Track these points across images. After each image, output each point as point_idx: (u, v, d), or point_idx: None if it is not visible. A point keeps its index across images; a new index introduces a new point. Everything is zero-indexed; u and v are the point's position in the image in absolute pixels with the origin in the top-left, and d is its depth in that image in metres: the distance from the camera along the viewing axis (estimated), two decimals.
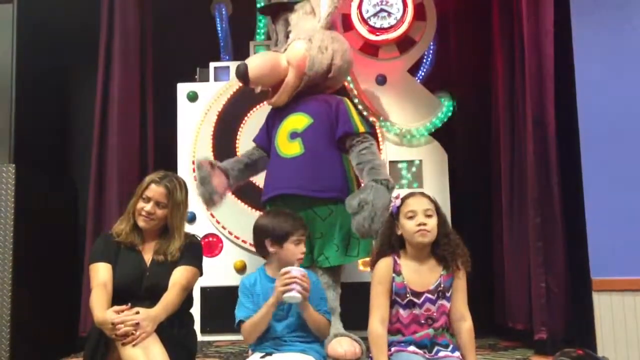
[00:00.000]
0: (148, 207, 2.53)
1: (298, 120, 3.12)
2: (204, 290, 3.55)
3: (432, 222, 2.34)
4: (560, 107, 3.11)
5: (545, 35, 3.13)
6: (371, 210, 2.78)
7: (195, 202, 3.65)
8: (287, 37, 3.34)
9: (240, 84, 3.72)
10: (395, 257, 2.39)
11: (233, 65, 3.85)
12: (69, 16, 3.82)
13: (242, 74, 3.09)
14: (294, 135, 3.09)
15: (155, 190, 2.55)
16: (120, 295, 2.43)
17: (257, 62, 3.14)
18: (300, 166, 3.03)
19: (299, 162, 3.04)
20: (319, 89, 3.21)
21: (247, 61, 3.13)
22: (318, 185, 3.02)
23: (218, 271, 3.60)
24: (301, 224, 2.49)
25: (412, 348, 2.32)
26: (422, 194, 2.45)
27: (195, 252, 2.61)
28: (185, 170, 3.72)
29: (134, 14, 3.75)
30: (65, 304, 3.62)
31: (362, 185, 3.00)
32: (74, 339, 3.47)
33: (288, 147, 3.08)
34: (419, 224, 2.33)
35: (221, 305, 3.47)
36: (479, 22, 3.96)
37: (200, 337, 3.05)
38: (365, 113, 3.68)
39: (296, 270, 2.28)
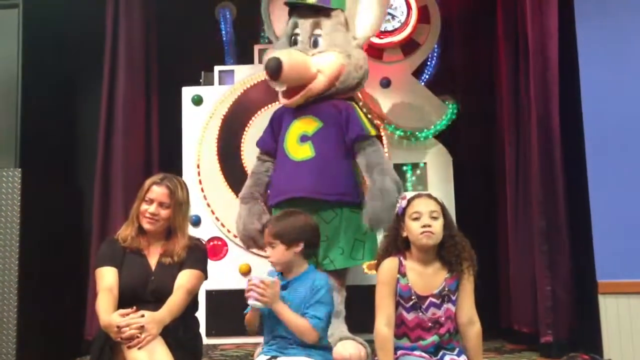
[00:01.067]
0: (152, 208, 2.54)
1: (307, 124, 3.12)
2: (209, 293, 3.55)
3: (438, 224, 2.33)
4: (565, 110, 3.10)
5: (550, 37, 3.13)
6: (388, 201, 2.86)
7: (199, 205, 3.68)
8: (311, 39, 3.23)
9: (244, 88, 3.78)
10: (401, 258, 2.38)
11: (237, 69, 3.87)
12: (74, 20, 3.82)
13: (276, 68, 3.00)
14: (304, 138, 3.09)
15: (157, 191, 2.56)
16: (126, 299, 2.44)
17: (292, 59, 3.06)
18: (312, 169, 3.03)
19: (310, 166, 3.04)
20: (331, 96, 3.20)
21: (278, 56, 3.03)
22: (329, 188, 3.03)
23: (223, 274, 3.60)
24: (270, 227, 2.44)
25: (418, 352, 2.32)
26: (429, 195, 2.43)
27: (199, 255, 2.62)
28: (190, 173, 3.73)
29: (138, 18, 3.76)
30: (71, 308, 3.63)
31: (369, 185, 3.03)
32: (79, 342, 3.48)
33: (298, 150, 3.08)
34: (424, 226, 2.31)
35: (226, 308, 3.48)
36: (483, 25, 3.96)
37: (205, 340, 3.05)
38: (369, 116, 3.68)
39: (255, 278, 2.28)
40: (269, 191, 3.22)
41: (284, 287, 2.39)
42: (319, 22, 3.22)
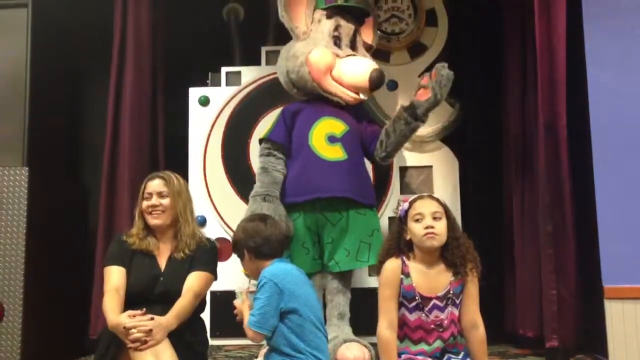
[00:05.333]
0: (152, 201, 2.60)
1: (334, 125, 3.13)
2: (214, 294, 3.54)
3: (441, 225, 2.31)
4: (572, 113, 3.09)
5: (557, 40, 3.12)
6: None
7: (205, 206, 3.68)
8: (351, 45, 3.28)
9: (251, 89, 3.78)
10: (404, 259, 2.37)
11: (244, 70, 3.88)
12: (82, 20, 3.85)
13: (382, 82, 3.14)
14: (332, 139, 3.10)
15: (152, 185, 2.63)
16: (134, 301, 2.45)
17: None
18: (347, 171, 3.07)
19: (344, 167, 3.07)
20: None
21: (379, 68, 3.13)
22: (362, 190, 3.09)
23: (228, 275, 3.59)
24: None
25: (422, 357, 2.31)
26: (431, 196, 2.42)
27: (209, 256, 2.64)
28: (196, 174, 3.73)
29: (146, 18, 3.77)
30: (76, 306, 3.64)
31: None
32: (84, 341, 3.49)
33: (328, 150, 3.08)
34: (427, 227, 2.30)
35: (231, 309, 3.46)
36: (490, 27, 3.95)
37: (209, 341, 3.05)
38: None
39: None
40: (286, 188, 3.13)
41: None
42: (358, 30, 3.32)
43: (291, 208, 3.08)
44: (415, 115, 3.01)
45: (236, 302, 2.41)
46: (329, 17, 3.27)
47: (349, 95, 3.15)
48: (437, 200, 2.38)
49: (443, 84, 2.91)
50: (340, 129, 3.13)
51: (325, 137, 3.10)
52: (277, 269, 2.36)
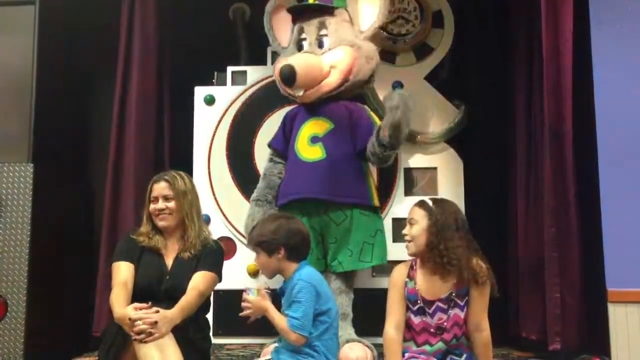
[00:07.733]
0: (158, 205, 2.64)
1: (319, 125, 3.14)
2: (217, 293, 3.53)
3: (413, 230, 2.37)
4: (578, 116, 3.09)
5: (564, 43, 3.12)
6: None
7: (209, 205, 3.68)
8: (317, 40, 3.25)
9: (257, 89, 3.79)
10: (413, 263, 2.40)
11: (250, 70, 3.88)
12: (89, 17, 3.86)
13: (289, 76, 2.99)
14: (314, 139, 3.11)
15: (157, 188, 2.67)
16: (140, 298, 2.48)
17: (303, 62, 3.07)
18: (324, 171, 3.05)
19: (321, 167, 3.06)
20: (345, 95, 3.22)
21: (290, 62, 3.05)
22: (340, 190, 3.05)
23: (231, 275, 3.59)
24: (251, 235, 2.61)
25: (424, 357, 2.33)
26: (419, 203, 2.48)
27: (216, 258, 2.67)
28: (200, 173, 3.73)
29: (153, 17, 3.78)
30: (80, 303, 3.65)
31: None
32: (87, 339, 3.49)
33: (309, 151, 3.10)
34: (402, 235, 2.41)
35: (234, 308, 3.46)
36: (497, 30, 3.95)
37: (212, 340, 3.06)
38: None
39: (246, 293, 2.46)
40: (279, 191, 3.24)
41: (282, 292, 2.42)
42: (324, 22, 3.25)
43: (294, 208, 3.09)
44: (381, 142, 2.93)
45: (250, 298, 2.40)
46: (294, 23, 3.34)
47: (290, 95, 3.21)
48: (422, 205, 2.42)
49: (394, 112, 2.78)
50: (323, 128, 3.14)
51: (308, 138, 3.13)
52: (310, 272, 2.42)
